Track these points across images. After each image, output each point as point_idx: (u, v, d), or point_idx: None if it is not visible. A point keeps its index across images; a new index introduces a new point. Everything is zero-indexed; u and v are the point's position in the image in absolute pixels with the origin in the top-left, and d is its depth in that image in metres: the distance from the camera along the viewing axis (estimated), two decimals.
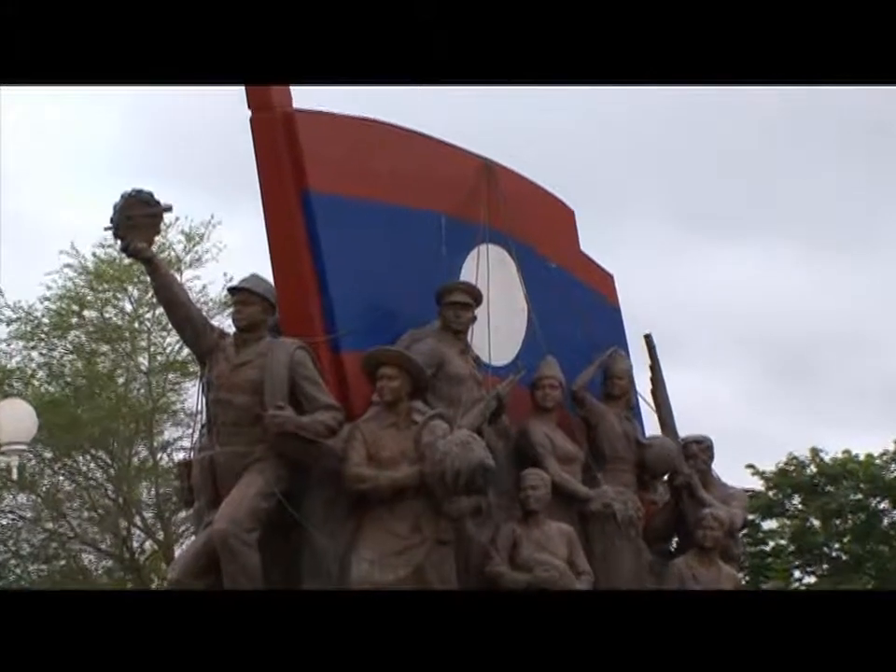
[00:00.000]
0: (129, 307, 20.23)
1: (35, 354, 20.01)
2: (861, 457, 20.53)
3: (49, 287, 19.91)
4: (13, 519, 19.99)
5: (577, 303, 8.43)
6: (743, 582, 8.71)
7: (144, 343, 20.24)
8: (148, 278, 7.41)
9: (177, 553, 16.39)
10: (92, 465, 20.21)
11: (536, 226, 8.21)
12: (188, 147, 27.11)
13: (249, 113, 6.84)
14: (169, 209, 6.66)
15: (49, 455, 19.93)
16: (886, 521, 20.10)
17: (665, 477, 8.52)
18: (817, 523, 20.65)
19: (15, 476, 13.10)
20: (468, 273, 7.63)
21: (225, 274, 19.68)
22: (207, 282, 20.28)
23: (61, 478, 20.35)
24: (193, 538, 7.27)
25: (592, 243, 8.98)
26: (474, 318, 7.42)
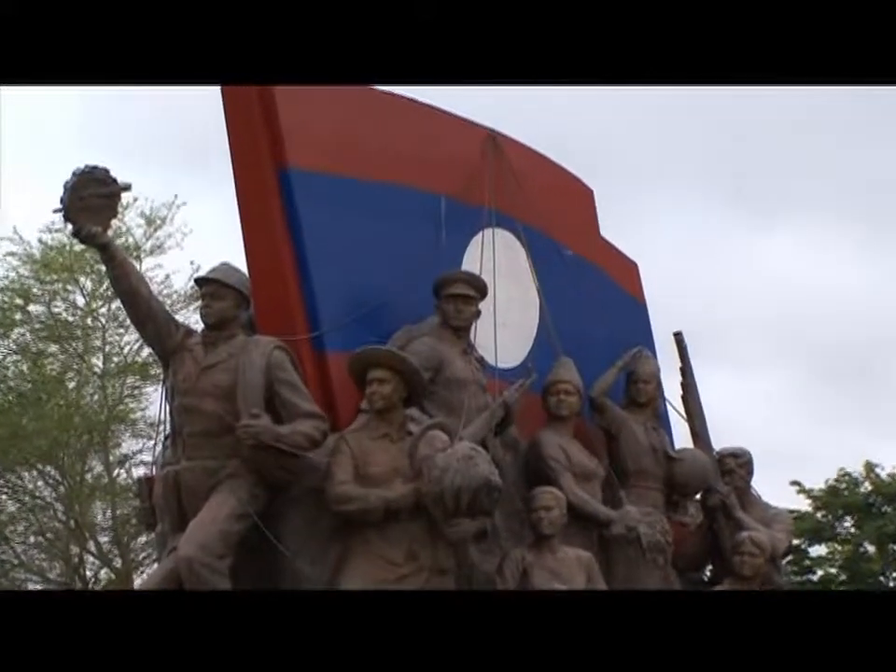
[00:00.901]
0: (81, 301, 20.28)
1: None
2: None
3: None
4: None
5: (597, 296, 8.46)
6: None
7: (98, 343, 20.25)
8: (103, 267, 7.41)
9: (137, 582, 16.39)
10: (40, 482, 20.20)
11: (549, 207, 8.24)
12: (149, 118, 27.12)
13: None
14: (127, 188, 6.65)
15: None
16: None
17: (698, 496, 8.57)
18: (871, 548, 20.64)
19: None
20: (471, 262, 7.66)
21: (191, 263, 19.80)
22: (171, 271, 20.38)
23: (3, 497, 20.35)
24: (156, 565, 7.29)
25: (612, 226, 9.07)
26: (478, 313, 7.45)
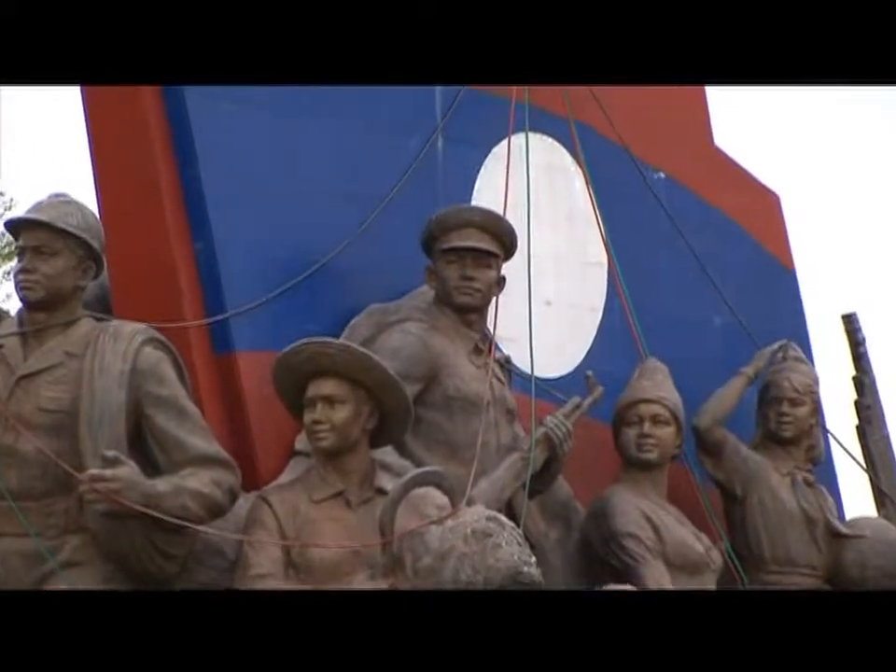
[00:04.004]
0: None
1: None
2: None
3: None
4: None
5: (709, 254, 8.54)
6: None
7: None
8: None
9: None
10: None
11: (625, 98, 8.30)
12: None
13: None
14: None
15: None
16: None
17: None
18: None
19: None
20: (488, 192, 7.74)
21: (1, 195, 19.81)
22: None
23: None
24: None
25: (730, 132, 9.35)
26: (501, 282, 7.47)
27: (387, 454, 6.95)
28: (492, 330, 7.46)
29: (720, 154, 9.00)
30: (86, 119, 7.17)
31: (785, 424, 8.44)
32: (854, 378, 8.84)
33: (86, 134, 7.18)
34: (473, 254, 7.33)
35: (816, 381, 8.59)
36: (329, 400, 6.73)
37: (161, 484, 6.49)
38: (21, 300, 6.82)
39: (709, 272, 8.49)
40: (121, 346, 6.65)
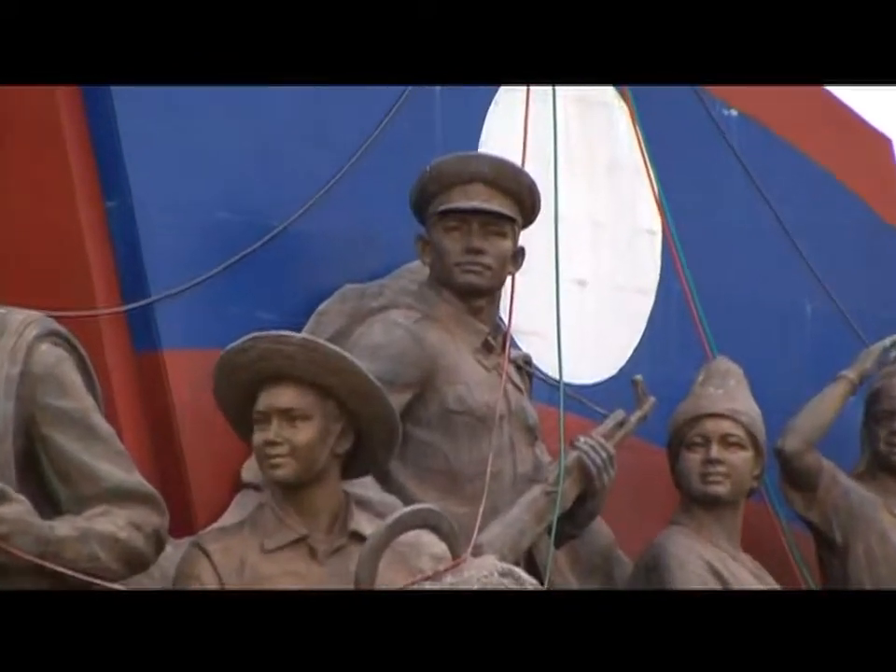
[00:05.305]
0: None
1: None
2: None
3: None
4: None
5: (799, 216, 8.60)
6: None
7: None
8: None
9: None
10: None
11: None
12: None
13: None
14: None
15: None
16: None
17: None
18: None
19: None
20: (500, 135, 7.83)
21: None
22: None
23: None
24: None
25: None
26: (518, 257, 7.45)
27: (366, 486, 6.97)
28: (507, 321, 7.46)
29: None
30: None
31: None
32: None
33: None
34: (481, 218, 7.31)
35: None
36: (289, 415, 6.69)
37: (63, 527, 6.41)
38: None
39: (799, 242, 8.51)
40: (9, 342, 6.57)
